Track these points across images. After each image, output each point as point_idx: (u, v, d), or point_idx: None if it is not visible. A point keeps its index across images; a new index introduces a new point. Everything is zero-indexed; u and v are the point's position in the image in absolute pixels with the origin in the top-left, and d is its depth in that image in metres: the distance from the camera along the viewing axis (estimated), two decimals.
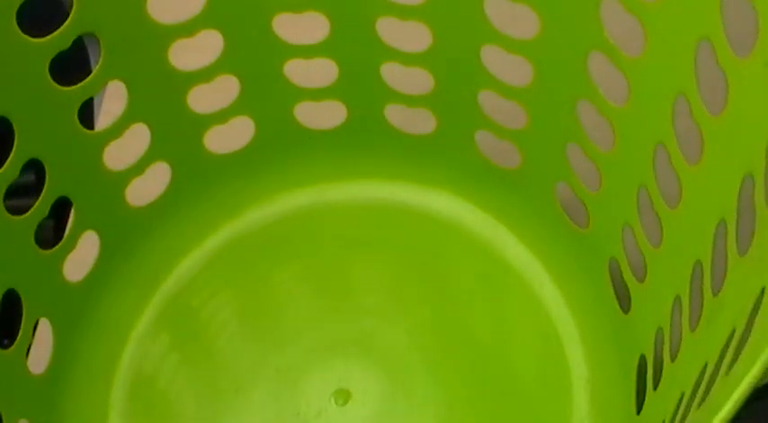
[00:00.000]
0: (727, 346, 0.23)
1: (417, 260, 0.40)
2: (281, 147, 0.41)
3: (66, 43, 0.32)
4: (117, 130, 0.36)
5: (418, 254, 0.40)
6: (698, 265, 0.28)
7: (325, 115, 0.40)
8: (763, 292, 0.21)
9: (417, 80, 0.38)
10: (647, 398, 0.33)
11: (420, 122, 0.40)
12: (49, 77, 0.33)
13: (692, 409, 0.24)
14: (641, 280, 0.34)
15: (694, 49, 0.26)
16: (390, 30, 0.37)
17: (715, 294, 0.26)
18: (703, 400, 0.22)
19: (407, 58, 0.37)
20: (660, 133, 0.30)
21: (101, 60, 0.34)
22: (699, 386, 0.24)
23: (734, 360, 0.21)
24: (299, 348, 0.38)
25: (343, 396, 0.37)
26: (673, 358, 0.31)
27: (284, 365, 0.38)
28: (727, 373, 0.21)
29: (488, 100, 0.37)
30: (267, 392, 0.37)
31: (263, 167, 0.41)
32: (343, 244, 0.40)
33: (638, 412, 0.33)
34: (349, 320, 0.38)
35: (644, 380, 0.33)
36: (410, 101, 0.39)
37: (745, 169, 0.24)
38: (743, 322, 0.22)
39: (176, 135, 0.38)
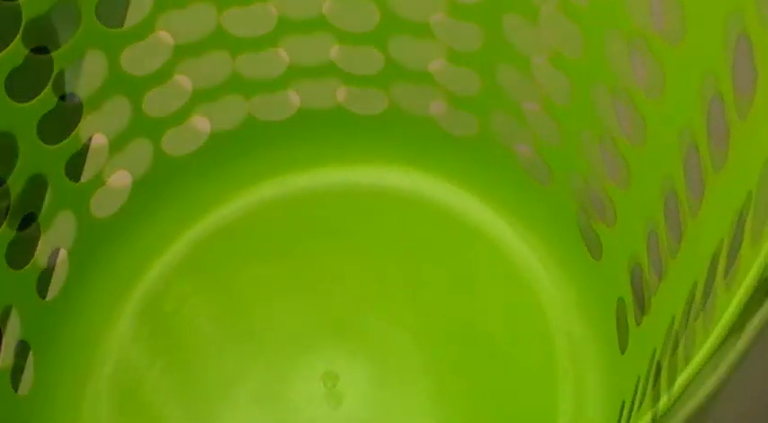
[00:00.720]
0: (715, 257, 0.24)
1: (390, 242, 0.40)
2: (239, 142, 0.41)
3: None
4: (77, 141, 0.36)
5: (390, 235, 0.40)
6: (671, 193, 0.29)
7: (278, 107, 0.41)
8: (749, 196, 0.22)
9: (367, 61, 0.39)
10: (629, 336, 0.34)
11: (375, 102, 0.40)
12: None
13: (688, 324, 0.24)
14: (611, 224, 0.35)
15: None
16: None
17: (694, 216, 0.27)
18: (702, 310, 0.23)
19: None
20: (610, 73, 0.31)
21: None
22: (691, 304, 0.25)
23: (730, 264, 0.22)
24: (281, 341, 0.38)
25: (331, 379, 0.37)
26: (654, 292, 0.31)
27: (268, 359, 0.38)
28: (725, 277, 0.21)
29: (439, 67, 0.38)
30: (255, 387, 0.37)
31: (224, 165, 0.41)
32: (312, 232, 0.41)
33: (623, 352, 0.34)
34: (328, 308, 0.39)
35: (625, 322, 0.34)
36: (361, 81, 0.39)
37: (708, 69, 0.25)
38: (730, 231, 0.23)
39: (132, 143, 0.38)
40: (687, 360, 0.21)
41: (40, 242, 0.36)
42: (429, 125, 0.40)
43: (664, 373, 0.24)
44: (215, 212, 0.41)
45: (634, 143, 0.31)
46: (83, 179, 0.37)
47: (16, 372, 0.36)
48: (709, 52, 0.25)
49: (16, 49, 0.32)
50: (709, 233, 0.25)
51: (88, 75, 0.36)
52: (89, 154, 0.37)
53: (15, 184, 0.34)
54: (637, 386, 0.29)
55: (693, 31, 0.26)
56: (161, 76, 0.38)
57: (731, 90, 0.24)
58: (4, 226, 0.34)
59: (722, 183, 0.25)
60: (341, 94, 0.40)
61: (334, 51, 0.39)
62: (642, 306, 0.32)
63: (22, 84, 0.33)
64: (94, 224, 0.39)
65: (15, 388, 0.35)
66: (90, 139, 0.37)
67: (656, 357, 0.27)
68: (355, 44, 0.38)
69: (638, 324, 0.33)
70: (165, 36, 0.37)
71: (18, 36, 0.32)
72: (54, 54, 0.34)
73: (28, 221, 0.35)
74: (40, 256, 0.36)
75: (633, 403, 0.28)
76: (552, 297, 0.38)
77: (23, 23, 0.32)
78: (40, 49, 0.33)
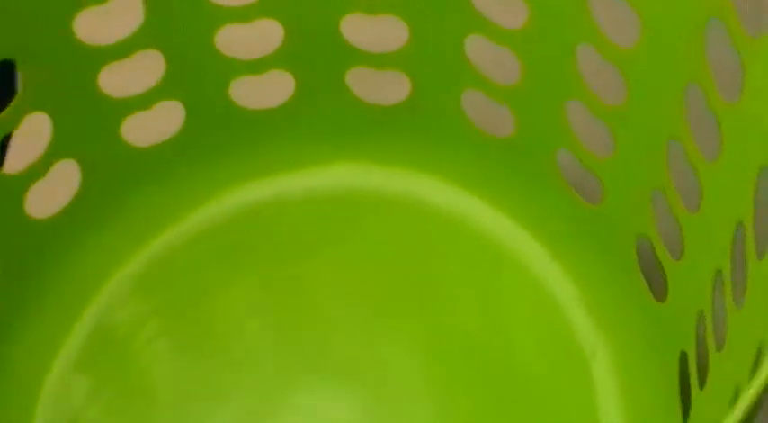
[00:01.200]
0: None
1: (397, 257, 0.40)
2: (218, 134, 0.41)
3: None
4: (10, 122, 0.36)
5: (397, 249, 0.40)
6: (740, 226, 0.28)
7: (268, 90, 0.40)
8: None
9: (387, 33, 0.38)
10: (692, 399, 0.32)
11: (391, 88, 0.39)
12: None
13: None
14: (678, 257, 0.34)
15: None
16: None
17: (760, 258, 0.26)
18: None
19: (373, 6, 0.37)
20: (682, 76, 0.30)
21: None
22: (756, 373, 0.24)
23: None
24: (260, 374, 0.38)
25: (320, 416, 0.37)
26: (719, 347, 0.30)
27: (244, 394, 0.38)
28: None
29: (476, 48, 0.37)
30: None
31: (197, 162, 0.41)
32: (305, 245, 0.40)
33: (685, 419, 0.33)
34: (319, 339, 0.38)
35: (687, 380, 0.33)
36: (378, 61, 0.39)
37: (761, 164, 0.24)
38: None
39: (85, 126, 0.38)
40: None
41: None
42: (457, 120, 0.39)
43: None
44: (186, 218, 0.41)
45: (708, 158, 0.30)
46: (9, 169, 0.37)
47: None
48: None
49: None
50: None
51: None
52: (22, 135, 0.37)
53: None
54: None
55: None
56: (125, 48, 0.37)
57: None
58: None
59: None
60: (350, 76, 0.39)
61: (345, 21, 0.38)
62: (704, 364, 0.31)
63: None
64: (31, 227, 0.38)
65: None
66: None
67: None
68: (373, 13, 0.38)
69: (701, 387, 0.32)
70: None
71: None
72: None
73: None
74: None
75: None
76: (598, 342, 0.37)
77: None
78: None
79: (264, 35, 0.39)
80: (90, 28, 0.36)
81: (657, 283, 0.36)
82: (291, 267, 0.40)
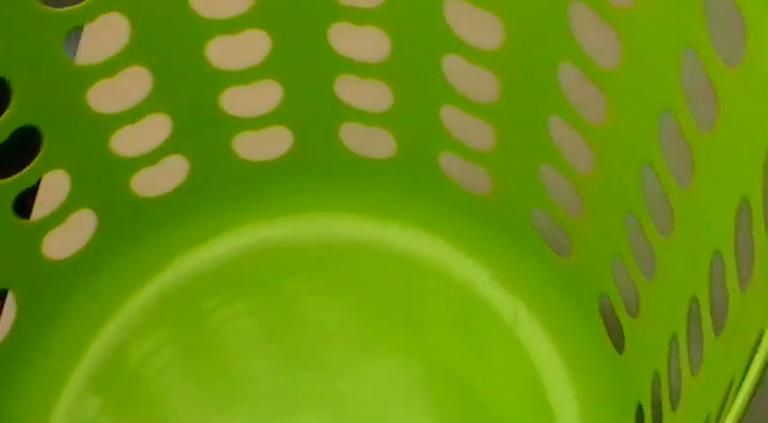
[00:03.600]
0: (726, 397, 0.23)
1: (383, 303, 0.40)
2: (220, 184, 0.41)
3: None
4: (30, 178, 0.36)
5: (383, 296, 0.40)
6: (694, 300, 0.29)
7: (267, 144, 0.41)
8: (761, 335, 0.21)
9: (374, 95, 0.38)
10: None
11: (378, 144, 0.40)
12: None
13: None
14: (634, 315, 0.34)
15: (679, 58, 0.27)
16: (343, 38, 0.37)
17: (717, 334, 0.27)
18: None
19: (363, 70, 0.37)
20: (646, 152, 0.30)
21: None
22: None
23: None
24: (258, 413, 0.38)
25: None
26: (674, 406, 0.31)
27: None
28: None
29: (452, 117, 0.37)
30: None
31: (200, 209, 0.41)
32: (299, 289, 0.41)
33: None
34: (313, 377, 0.39)
35: None
36: (367, 119, 0.39)
37: (741, 194, 0.25)
38: (741, 370, 0.22)
39: (100, 180, 0.38)
40: None
41: None
42: (438, 177, 0.39)
43: None
44: (188, 260, 0.41)
45: (663, 233, 0.31)
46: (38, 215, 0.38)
47: None
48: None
49: None
50: (727, 361, 0.25)
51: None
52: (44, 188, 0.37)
53: None
54: None
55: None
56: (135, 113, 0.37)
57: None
58: None
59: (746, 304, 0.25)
60: (343, 131, 0.40)
61: (339, 82, 0.38)
62: (658, 421, 0.32)
63: None
64: (50, 268, 0.39)
65: None
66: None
67: None
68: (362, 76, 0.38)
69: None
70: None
71: None
72: None
73: None
74: None
75: None
76: (563, 385, 0.38)
77: None
78: None
79: (265, 94, 0.39)
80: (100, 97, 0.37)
81: (619, 336, 0.36)
82: (285, 309, 0.40)
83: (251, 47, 0.37)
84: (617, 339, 0.36)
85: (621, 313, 0.35)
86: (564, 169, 0.35)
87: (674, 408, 0.31)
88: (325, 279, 0.41)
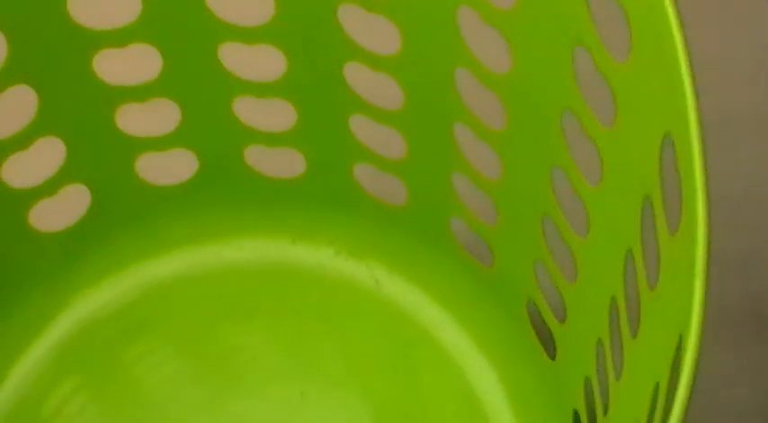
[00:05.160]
0: (653, 403, 0.23)
1: (303, 326, 0.40)
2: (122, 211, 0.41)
3: None
4: None
5: (303, 318, 0.40)
6: (614, 302, 0.29)
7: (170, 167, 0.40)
8: (680, 341, 0.21)
9: (277, 114, 0.38)
10: None
11: (286, 164, 0.40)
12: None
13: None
14: (562, 320, 0.34)
15: (570, 57, 0.27)
16: (236, 57, 0.37)
17: (633, 336, 0.27)
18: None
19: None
20: (552, 153, 0.30)
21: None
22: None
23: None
24: None
25: None
26: (605, 411, 0.31)
27: None
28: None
29: (362, 127, 0.37)
30: None
31: (101, 240, 0.41)
32: (213, 317, 0.40)
33: None
34: (243, 405, 0.39)
35: None
36: (271, 140, 0.39)
37: (644, 190, 0.25)
38: (665, 375, 0.22)
39: None
40: None
41: None
42: (352, 192, 0.39)
43: None
44: (105, 289, 0.40)
45: (579, 233, 0.31)
46: None
47: None
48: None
49: None
50: (647, 367, 0.25)
51: None
52: None
53: None
54: None
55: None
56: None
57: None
58: None
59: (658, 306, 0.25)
60: (248, 152, 0.40)
61: (237, 103, 0.38)
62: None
63: None
64: None
65: None
66: None
67: None
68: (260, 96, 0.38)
69: None
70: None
71: None
72: None
73: None
74: None
75: None
76: (496, 395, 0.38)
77: None
78: None
79: (164, 115, 0.39)
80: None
81: (549, 342, 0.37)
82: (205, 338, 0.40)
83: (142, 63, 0.37)
84: (548, 346, 0.36)
85: (550, 319, 0.35)
86: (474, 177, 0.35)
87: (605, 413, 0.31)
88: (242, 306, 0.41)
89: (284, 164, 0.40)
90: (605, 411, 0.31)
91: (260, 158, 0.40)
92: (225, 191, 0.41)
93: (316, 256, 0.41)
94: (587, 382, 0.33)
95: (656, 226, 0.24)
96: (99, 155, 0.39)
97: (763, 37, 0.43)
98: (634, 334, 0.27)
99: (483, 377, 0.38)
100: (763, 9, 0.44)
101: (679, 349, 0.21)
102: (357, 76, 0.36)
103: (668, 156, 0.23)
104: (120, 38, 0.36)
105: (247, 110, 0.38)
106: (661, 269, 0.24)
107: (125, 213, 0.41)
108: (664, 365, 0.23)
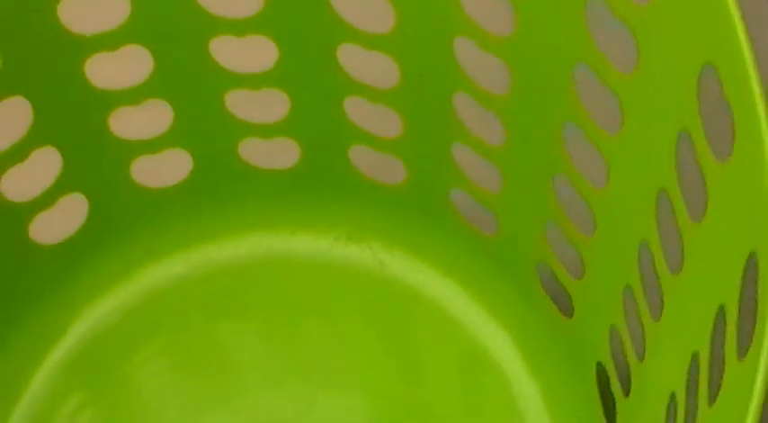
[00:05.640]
0: (716, 328, 0.24)
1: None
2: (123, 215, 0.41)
3: None
4: None
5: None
6: (644, 244, 0.29)
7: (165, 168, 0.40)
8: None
9: (270, 106, 0.38)
10: (617, 408, 0.34)
11: (281, 155, 0.40)
12: None
13: (699, 408, 0.25)
14: (579, 276, 0.35)
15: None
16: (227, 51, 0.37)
17: (674, 273, 0.27)
18: (714, 392, 0.23)
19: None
20: (563, 110, 0.31)
21: None
22: (695, 381, 0.25)
23: (743, 339, 0.22)
24: None
25: None
26: (640, 356, 0.32)
27: None
28: (743, 357, 0.21)
29: (357, 108, 0.38)
30: None
31: (106, 245, 0.41)
32: (221, 316, 0.41)
33: None
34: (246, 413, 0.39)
35: (608, 389, 0.34)
36: (265, 131, 0.39)
37: (681, 124, 0.26)
38: (734, 296, 0.23)
39: None
40: None
41: None
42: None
43: None
44: (109, 297, 0.41)
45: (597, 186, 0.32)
46: None
47: None
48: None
49: None
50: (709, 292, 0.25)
51: None
52: None
53: None
54: None
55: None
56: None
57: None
58: None
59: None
60: (243, 147, 0.40)
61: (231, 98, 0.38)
62: (626, 374, 0.33)
63: None
64: None
65: None
66: None
67: None
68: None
69: (627, 395, 0.33)
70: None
71: None
72: None
73: None
74: None
75: None
76: (514, 363, 0.38)
77: None
78: None
79: (158, 116, 0.39)
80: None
81: (563, 301, 0.37)
82: (210, 339, 0.40)
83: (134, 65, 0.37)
84: (563, 305, 0.37)
85: (564, 277, 0.36)
86: (476, 145, 0.35)
87: (641, 359, 0.31)
88: (245, 304, 0.41)
89: (279, 155, 0.40)
90: (641, 357, 0.31)
91: (254, 152, 0.40)
92: (221, 188, 0.41)
93: (317, 245, 0.41)
94: (613, 331, 0.33)
95: (697, 153, 0.25)
96: (95, 162, 0.39)
97: None
98: (675, 270, 0.27)
99: (498, 342, 0.39)
100: None
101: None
102: (351, 56, 0.36)
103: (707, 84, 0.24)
104: (111, 41, 0.36)
105: (240, 103, 0.39)
106: (709, 199, 0.24)
107: (123, 219, 0.41)
108: (725, 291, 0.23)
